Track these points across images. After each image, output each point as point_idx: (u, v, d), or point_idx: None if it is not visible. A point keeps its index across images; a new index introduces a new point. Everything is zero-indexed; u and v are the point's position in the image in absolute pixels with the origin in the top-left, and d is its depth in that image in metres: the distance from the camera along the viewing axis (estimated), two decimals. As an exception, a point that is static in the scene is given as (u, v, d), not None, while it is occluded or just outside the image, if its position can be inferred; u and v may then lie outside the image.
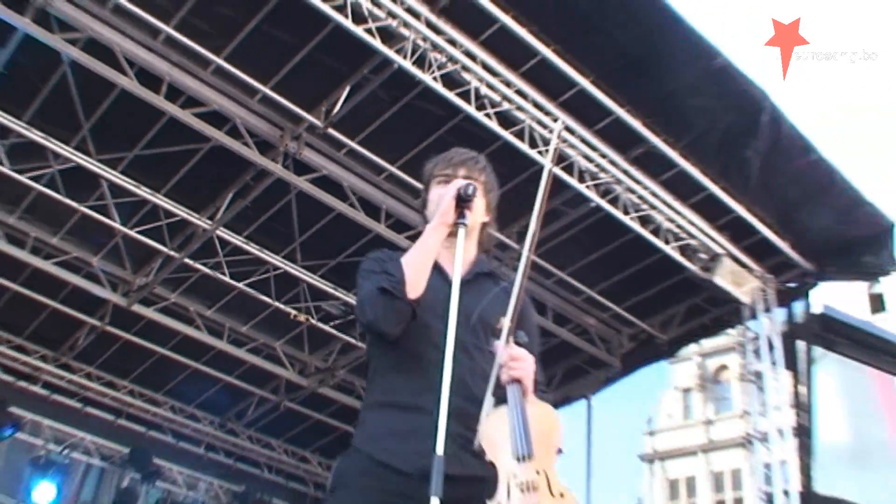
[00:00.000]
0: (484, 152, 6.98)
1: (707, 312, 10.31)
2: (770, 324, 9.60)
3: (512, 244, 9.26)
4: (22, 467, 11.85)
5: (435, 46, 7.18)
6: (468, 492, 2.41)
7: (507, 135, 7.65)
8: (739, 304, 9.46)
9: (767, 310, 9.59)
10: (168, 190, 9.17)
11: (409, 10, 7.02)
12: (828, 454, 11.81)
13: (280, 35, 7.64)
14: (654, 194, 8.56)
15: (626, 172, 8.34)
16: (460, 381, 2.45)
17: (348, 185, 8.80)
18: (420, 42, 7.12)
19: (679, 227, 8.79)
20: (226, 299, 10.68)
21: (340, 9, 6.74)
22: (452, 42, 7.26)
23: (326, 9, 6.69)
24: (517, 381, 2.61)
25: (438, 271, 2.88)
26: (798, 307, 9.92)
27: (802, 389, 9.70)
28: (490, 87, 7.50)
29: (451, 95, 7.35)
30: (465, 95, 7.41)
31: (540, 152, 7.82)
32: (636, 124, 7.96)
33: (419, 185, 7.42)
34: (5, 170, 8.60)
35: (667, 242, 8.76)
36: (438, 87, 7.28)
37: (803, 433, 9.59)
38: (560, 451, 2.62)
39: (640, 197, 8.49)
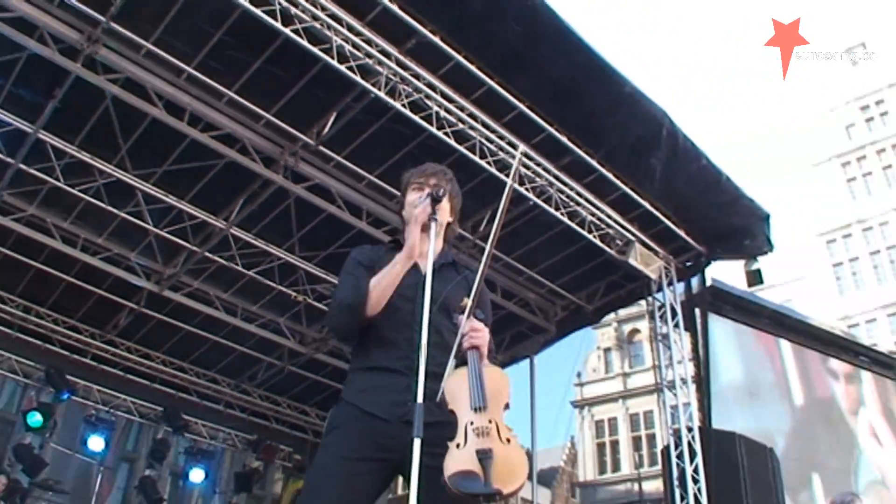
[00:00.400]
0: (443, 163, 7.09)
1: (623, 287, 10.40)
2: (672, 295, 9.73)
3: (468, 236, 9.37)
4: (77, 424, 11.77)
5: (403, 80, 7.24)
6: (435, 434, 2.44)
7: (461, 149, 7.71)
8: (648, 280, 9.57)
9: (670, 284, 9.73)
10: (191, 197, 9.15)
11: (382, 52, 7.09)
12: (727, 395, 12.04)
13: (279, 72, 7.67)
14: (579, 194, 8.65)
15: (556, 177, 8.42)
16: (429, 350, 2.50)
17: (336, 191, 8.83)
18: (391, 76, 7.17)
19: (599, 219, 8.88)
20: (239, 284, 10.62)
21: (328, 51, 6.80)
22: (417, 76, 7.32)
23: (316, 51, 6.75)
24: (476, 347, 2.68)
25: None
26: (694, 281, 10.08)
27: (699, 346, 9.88)
28: (448, 111, 7.56)
29: (416, 118, 7.41)
30: (427, 118, 7.47)
31: (488, 163, 7.90)
32: (564, 139, 8.07)
33: (394, 191, 7.49)
34: (61, 184, 8.58)
35: (590, 232, 8.85)
36: (406, 112, 7.33)
37: (701, 381, 9.76)
38: (507, 406, 2.64)
39: (568, 196, 8.57)
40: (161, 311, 11.11)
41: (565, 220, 8.60)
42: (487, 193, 8.58)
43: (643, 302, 10.86)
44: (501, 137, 7.94)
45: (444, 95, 7.52)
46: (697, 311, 9.95)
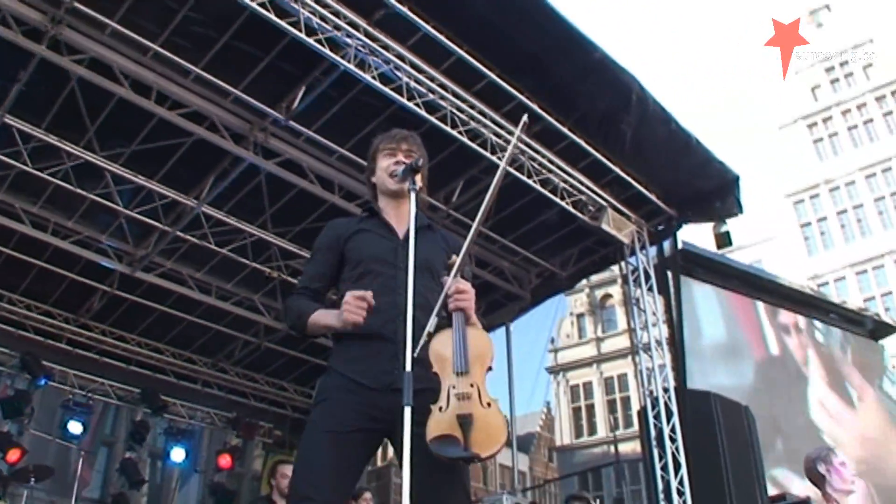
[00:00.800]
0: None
1: (596, 252, 10.50)
2: (645, 259, 9.82)
3: (440, 206, 9.40)
4: (55, 409, 11.72)
5: (372, 52, 7.19)
6: (422, 400, 2.48)
7: (432, 119, 7.69)
8: (621, 245, 9.65)
9: (643, 248, 9.82)
10: (161, 177, 9.06)
11: (351, 24, 7.02)
12: (703, 354, 12.21)
13: (246, 47, 7.59)
14: (551, 161, 8.69)
15: (528, 145, 8.45)
16: (414, 312, 2.52)
17: (307, 166, 8.81)
18: (360, 49, 7.11)
19: (572, 186, 8.93)
20: (212, 263, 10.57)
21: (295, 24, 6.71)
22: (386, 48, 7.27)
23: (283, 24, 6.66)
24: (461, 309, 2.71)
25: (387, 228, 3.00)
26: (666, 245, 10.17)
27: (673, 308, 9.99)
28: (418, 82, 7.53)
29: (386, 90, 7.37)
30: (398, 90, 7.43)
31: (460, 132, 7.91)
32: (535, 106, 8.06)
33: (364, 163, 7.55)
34: (28, 168, 8.48)
35: (562, 199, 8.90)
36: (376, 83, 7.29)
37: (675, 343, 9.89)
38: (490, 368, 2.68)
39: (540, 164, 8.61)
40: (134, 293, 11.03)
41: (538, 187, 8.63)
42: (459, 164, 8.64)
43: (615, 267, 10.97)
44: (472, 107, 7.95)
45: (413, 66, 7.49)
46: (670, 273, 10.04)
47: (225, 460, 12.86)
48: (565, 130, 8.39)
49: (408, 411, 2.30)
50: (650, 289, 9.75)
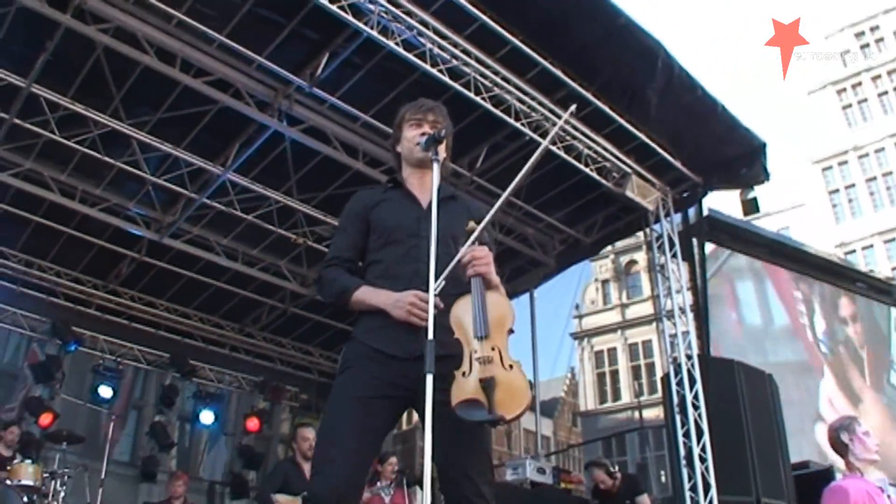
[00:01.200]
0: (438, 100, 7.04)
1: (620, 219, 10.45)
2: (670, 226, 9.75)
3: (464, 172, 9.37)
4: (85, 374, 11.91)
5: (395, 18, 7.14)
6: (445, 367, 2.52)
7: (456, 85, 7.64)
8: (645, 211, 9.58)
9: (667, 215, 9.75)
10: (186, 144, 9.10)
11: (374, -11, 6.99)
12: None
13: (270, 15, 7.58)
14: (575, 128, 8.63)
15: (551, 111, 8.37)
16: (427, 285, 2.54)
17: (331, 133, 8.80)
18: (383, 15, 7.06)
19: (596, 153, 8.86)
20: (238, 229, 10.64)
21: (318, -10, 6.70)
22: (409, 14, 7.21)
23: (307, -9, 6.66)
24: (479, 274, 2.72)
25: (410, 198, 3.00)
26: (691, 212, 10.10)
27: (697, 276, 9.94)
28: (441, 48, 7.48)
29: (410, 56, 7.33)
30: (421, 56, 7.38)
31: (483, 99, 7.86)
32: (558, 72, 8.00)
33: (388, 130, 7.50)
34: (56, 137, 8.54)
35: (587, 165, 8.84)
36: (400, 50, 7.25)
37: (699, 310, 9.85)
38: (511, 331, 2.71)
39: (564, 130, 8.52)
40: (162, 259, 11.16)
41: (562, 154, 8.58)
42: (483, 130, 8.61)
43: (640, 233, 10.92)
44: (496, 73, 7.89)
45: (437, 32, 7.42)
46: (695, 240, 9.98)
47: (253, 423, 13.04)
48: (589, 96, 8.29)
49: (430, 379, 2.32)
50: (674, 256, 9.69)
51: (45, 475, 7.52)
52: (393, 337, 2.73)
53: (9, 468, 7.28)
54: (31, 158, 9.05)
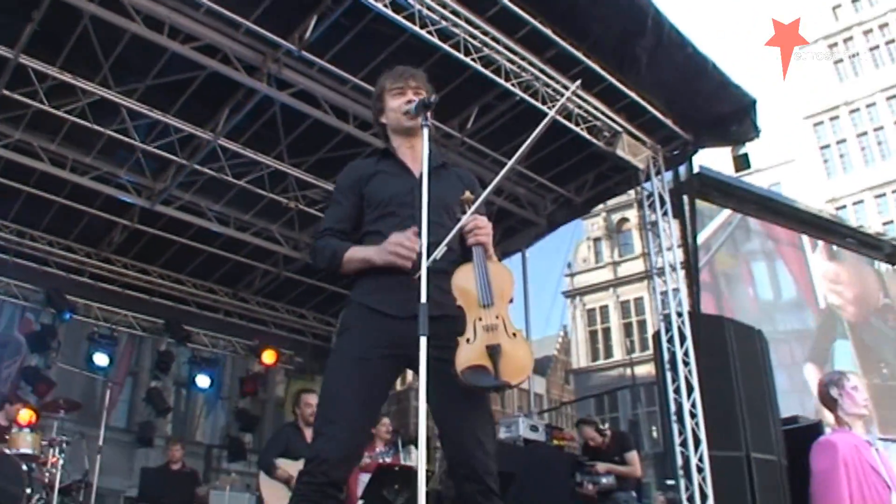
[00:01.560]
0: (427, 63, 7.04)
1: (611, 178, 10.48)
2: (661, 184, 9.78)
3: (454, 133, 9.39)
4: (80, 342, 11.98)
5: (383, -21, 7.12)
6: (442, 327, 2.60)
7: (445, 47, 7.58)
8: (636, 170, 9.57)
9: (658, 173, 9.76)
10: (176, 110, 9.07)
11: (361, -49, 6.95)
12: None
13: (256, -23, 7.54)
14: (565, 87, 8.61)
15: (542, 70, 8.36)
16: (431, 249, 2.62)
17: (321, 96, 8.78)
18: (371, -24, 7.05)
19: (586, 112, 8.84)
20: (230, 195, 10.66)
21: (305, -48, 6.66)
22: (397, -26, 7.19)
23: (293, -47, 6.62)
24: (480, 244, 2.79)
25: (402, 168, 3.03)
26: (682, 169, 10.15)
27: (688, 233, 10.02)
28: (430, 9, 7.39)
29: (398, 18, 7.26)
30: (410, 17, 7.30)
31: (473, 59, 7.82)
32: (548, 31, 7.96)
33: (377, 92, 7.33)
34: (45, 107, 8.50)
35: (577, 125, 8.83)
36: (388, 12, 7.18)
37: (689, 267, 9.93)
38: (511, 300, 2.79)
39: (554, 90, 8.52)
40: (154, 226, 11.18)
41: (553, 113, 8.55)
42: (473, 91, 8.61)
43: (631, 191, 10.96)
44: (485, 33, 7.85)
45: (425, -8, 7.40)
46: (686, 198, 10.04)
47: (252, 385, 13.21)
48: (580, 55, 8.26)
49: (423, 341, 2.39)
50: (665, 213, 9.74)
51: (44, 443, 7.61)
52: (389, 297, 2.79)
53: (7, 437, 7.36)
54: (21, 129, 9.04)
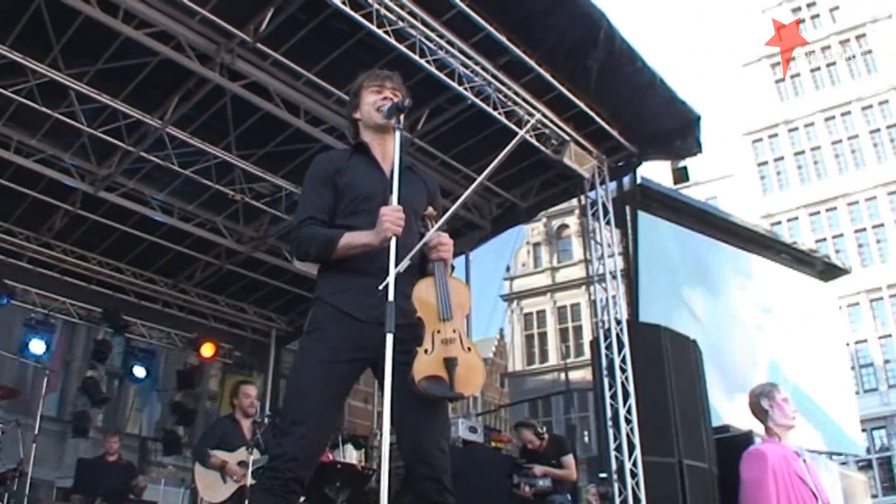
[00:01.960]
0: (381, 62, 7.09)
1: (557, 185, 10.68)
2: (605, 193, 10.01)
3: (405, 135, 9.44)
4: (16, 328, 11.75)
5: (342, -24, 7.16)
6: (408, 334, 2.72)
7: (401, 47, 7.69)
8: (582, 179, 9.81)
9: (603, 183, 10.00)
10: (125, 96, 8.97)
11: (321, -53, 6.99)
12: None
13: (215, -34, 7.53)
14: (517, 93, 8.76)
15: (494, 77, 8.50)
16: (399, 251, 2.71)
17: (273, 89, 8.75)
18: (331, -28, 7.08)
19: (536, 119, 9.03)
20: (175, 184, 10.56)
21: (266, -54, 6.67)
22: (357, -27, 7.24)
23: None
24: (443, 260, 2.91)
25: (374, 165, 3.11)
26: (625, 180, 10.38)
27: (629, 243, 10.25)
28: (388, 8, 7.48)
29: (356, 16, 7.32)
30: (367, 16, 7.38)
31: (428, 62, 7.93)
32: (503, 38, 8.11)
33: (331, 89, 7.54)
34: (-8, 87, 8.37)
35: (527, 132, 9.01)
36: (346, 9, 7.23)
37: (629, 276, 10.16)
38: (468, 314, 2.96)
39: (506, 96, 8.68)
40: (96, 213, 10.99)
41: (502, 119, 8.72)
42: (425, 93, 8.68)
43: (573, 199, 11.16)
44: (441, 36, 7.95)
45: (383, -7, 7.46)
46: (628, 208, 10.28)
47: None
48: (532, 63, 8.44)
49: (390, 338, 2.51)
50: (608, 223, 9.97)
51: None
52: (359, 300, 2.86)
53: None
54: (-34, 108, 8.85)
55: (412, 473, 2.81)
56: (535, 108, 8.93)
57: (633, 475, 8.50)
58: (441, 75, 8.11)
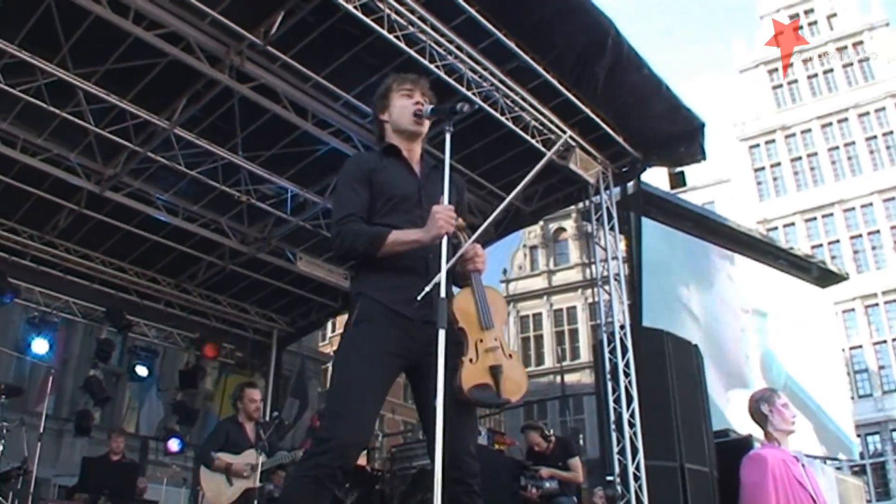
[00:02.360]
0: (390, 65, 7.15)
1: (561, 190, 10.68)
2: (609, 199, 10.07)
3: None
4: (19, 326, 11.74)
5: (355, -19, 7.19)
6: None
7: (411, 52, 7.72)
8: (586, 184, 9.87)
9: (607, 188, 10.06)
10: (133, 96, 8.98)
11: (332, -49, 7.00)
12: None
13: (226, -31, 7.54)
14: (524, 99, 8.80)
15: (502, 82, 8.55)
16: (434, 252, 2.78)
17: (282, 92, 8.77)
18: (343, -23, 7.11)
19: (542, 124, 9.07)
20: (180, 184, 10.58)
21: (279, -50, 6.70)
22: (369, -22, 7.27)
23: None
24: (479, 271, 3.00)
25: (407, 168, 3.16)
26: (629, 186, 10.43)
27: (633, 247, 10.30)
28: (398, 14, 7.52)
29: (367, 20, 7.35)
30: (378, 21, 7.41)
31: (437, 67, 7.95)
32: (511, 44, 8.16)
33: (340, 92, 7.55)
34: (1, 85, 8.35)
35: (532, 136, 9.05)
36: (358, 14, 7.27)
37: (633, 280, 10.21)
38: (505, 323, 3.02)
39: (513, 101, 8.72)
40: (101, 212, 11.00)
41: (509, 124, 8.77)
42: (434, 97, 8.67)
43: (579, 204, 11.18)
44: (450, 41, 7.99)
45: (394, -2, 7.49)
46: (632, 214, 10.32)
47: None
48: (540, 69, 8.48)
49: (442, 334, 2.53)
50: (612, 228, 10.02)
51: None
52: (407, 299, 2.88)
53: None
54: (-27, 106, 8.85)
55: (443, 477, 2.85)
56: (541, 113, 8.98)
57: (636, 478, 8.55)
58: (450, 80, 8.14)
